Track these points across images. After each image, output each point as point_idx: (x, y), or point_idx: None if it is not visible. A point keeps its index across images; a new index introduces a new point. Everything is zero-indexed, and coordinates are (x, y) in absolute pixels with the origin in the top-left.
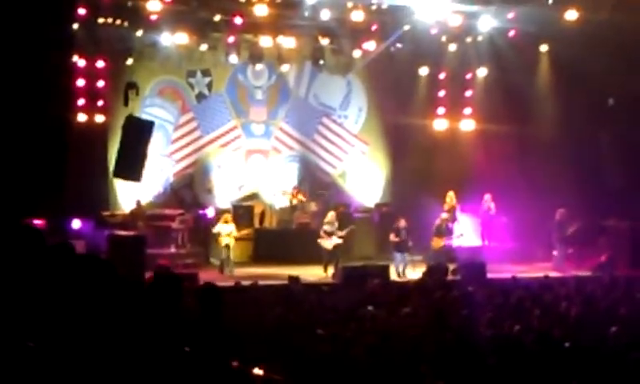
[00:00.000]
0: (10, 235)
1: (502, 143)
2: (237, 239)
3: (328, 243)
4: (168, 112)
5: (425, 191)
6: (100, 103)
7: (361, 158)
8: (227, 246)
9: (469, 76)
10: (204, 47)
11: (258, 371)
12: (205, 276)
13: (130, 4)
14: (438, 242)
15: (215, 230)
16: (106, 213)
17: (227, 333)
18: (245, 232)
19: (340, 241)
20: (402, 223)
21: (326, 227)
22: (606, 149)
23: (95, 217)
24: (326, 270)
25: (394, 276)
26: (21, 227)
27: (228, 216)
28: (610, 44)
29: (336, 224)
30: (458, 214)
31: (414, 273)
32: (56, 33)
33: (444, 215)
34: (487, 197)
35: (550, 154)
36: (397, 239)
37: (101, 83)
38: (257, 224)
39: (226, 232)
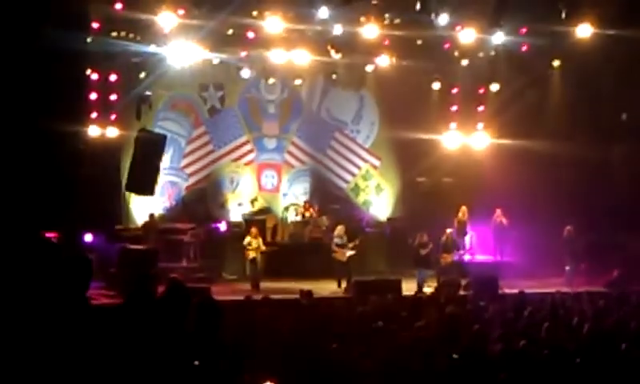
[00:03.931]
0: (28, 247)
1: (514, 158)
2: (263, 253)
3: (342, 255)
4: (181, 126)
5: (436, 206)
6: (113, 117)
7: (373, 172)
8: (254, 260)
9: (481, 91)
10: (216, 61)
11: None
12: (217, 290)
13: (142, 18)
14: (446, 258)
15: (245, 241)
16: (119, 226)
17: (234, 346)
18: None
19: (353, 252)
20: (425, 238)
21: (337, 240)
22: (618, 163)
23: (108, 230)
24: (340, 284)
25: (412, 291)
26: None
27: (255, 230)
28: (623, 59)
29: (345, 237)
30: (469, 229)
31: (427, 288)
32: (69, 46)
33: (449, 230)
34: (498, 212)
35: (562, 168)
36: (423, 255)
37: (113, 97)
38: (269, 238)
39: (253, 246)
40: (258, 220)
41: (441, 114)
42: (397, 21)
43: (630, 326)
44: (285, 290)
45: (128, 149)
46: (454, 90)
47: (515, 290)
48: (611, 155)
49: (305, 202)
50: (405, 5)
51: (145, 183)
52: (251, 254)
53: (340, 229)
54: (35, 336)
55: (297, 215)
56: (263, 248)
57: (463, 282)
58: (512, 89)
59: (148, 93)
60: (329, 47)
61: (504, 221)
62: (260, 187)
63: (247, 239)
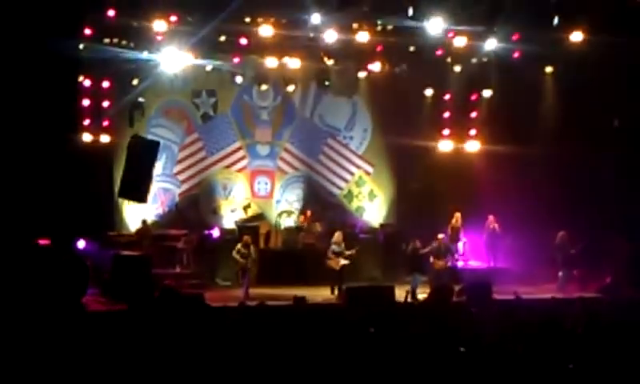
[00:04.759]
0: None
1: (506, 164)
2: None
3: (336, 264)
4: (173, 132)
5: (430, 212)
6: (105, 123)
7: (366, 178)
8: (243, 268)
9: (474, 97)
10: (209, 68)
11: None
12: (211, 296)
13: (135, 24)
14: (438, 264)
15: (233, 253)
16: (112, 233)
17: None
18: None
19: (347, 262)
20: (418, 244)
21: (334, 247)
22: (610, 169)
23: (101, 237)
24: (333, 291)
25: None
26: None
27: (247, 237)
28: (615, 66)
29: (343, 245)
30: (462, 236)
31: (421, 294)
32: (62, 53)
33: (440, 236)
34: (491, 218)
35: (555, 174)
36: (416, 261)
37: (106, 103)
38: (262, 245)
39: (243, 254)
40: (252, 226)
41: (433, 120)
42: (389, 27)
43: (623, 331)
44: (278, 296)
45: (121, 155)
46: (447, 97)
47: (508, 297)
48: (603, 161)
49: (304, 210)
50: (397, 11)
51: (138, 190)
52: (241, 263)
53: (338, 236)
54: (32, 341)
55: (301, 223)
56: (254, 256)
57: (456, 288)
58: (504, 95)
59: (141, 99)
60: (321, 54)
61: (497, 227)
62: (253, 194)
63: (237, 247)
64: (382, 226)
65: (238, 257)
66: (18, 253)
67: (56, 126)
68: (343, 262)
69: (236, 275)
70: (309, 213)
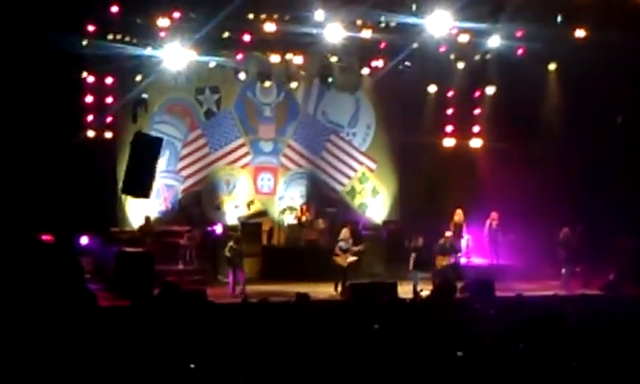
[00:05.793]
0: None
1: (510, 161)
2: (246, 255)
3: (343, 260)
4: (176, 129)
5: (432, 209)
6: (109, 120)
7: (369, 175)
8: (234, 266)
9: (477, 94)
10: (213, 64)
11: None
12: (213, 293)
13: (138, 21)
14: (441, 261)
15: (225, 251)
16: (115, 229)
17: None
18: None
19: (355, 258)
20: (421, 241)
21: (342, 244)
22: (613, 166)
23: (104, 233)
24: (336, 287)
25: (409, 295)
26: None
27: (237, 234)
28: (619, 62)
29: (350, 241)
30: (465, 233)
31: (424, 291)
32: (65, 49)
33: (448, 233)
34: (493, 215)
35: (558, 171)
36: (417, 258)
37: (109, 100)
38: (265, 241)
39: (231, 248)
40: (254, 223)
41: (436, 116)
42: (392, 24)
43: (627, 328)
44: (281, 293)
45: (124, 152)
46: (450, 93)
47: (511, 293)
48: (607, 158)
49: (302, 205)
50: (401, 8)
51: (141, 186)
52: (232, 260)
53: (345, 232)
54: (41, 331)
55: (296, 219)
56: (238, 249)
57: (459, 285)
58: (508, 92)
59: (144, 96)
60: (324, 50)
61: (499, 224)
62: (256, 190)
63: (228, 245)
64: (384, 222)
65: (229, 254)
66: (12, 248)
67: (59, 122)
68: (351, 258)
69: (228, 272)
70: (304, 207)
